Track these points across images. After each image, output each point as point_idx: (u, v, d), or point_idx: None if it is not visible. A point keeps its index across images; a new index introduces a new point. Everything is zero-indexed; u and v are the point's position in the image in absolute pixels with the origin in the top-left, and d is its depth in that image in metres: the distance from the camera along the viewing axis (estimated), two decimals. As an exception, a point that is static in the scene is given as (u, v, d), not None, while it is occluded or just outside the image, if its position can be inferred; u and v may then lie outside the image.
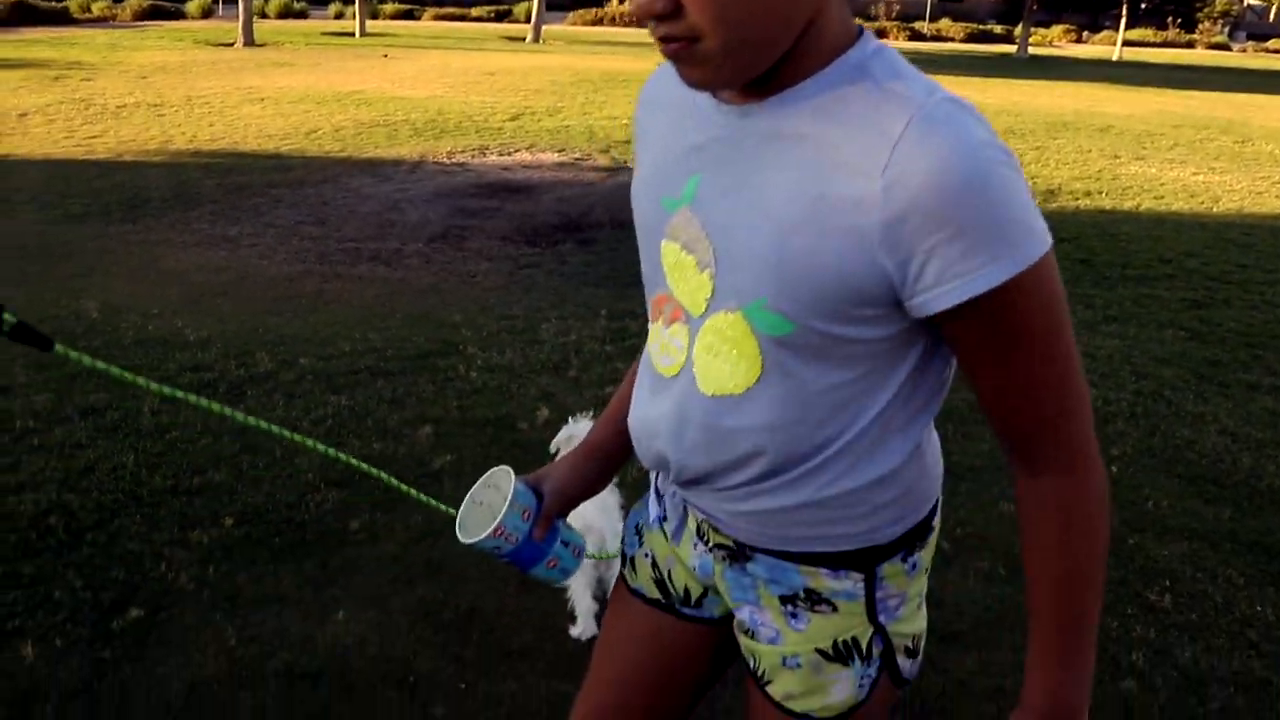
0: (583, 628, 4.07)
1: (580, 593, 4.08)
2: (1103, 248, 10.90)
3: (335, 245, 10.30)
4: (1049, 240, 1.44)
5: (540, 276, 9.41)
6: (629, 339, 7.69)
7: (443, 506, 3.73)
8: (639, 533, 2.10)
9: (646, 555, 2.05)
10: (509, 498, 1.90)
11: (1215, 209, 13.21)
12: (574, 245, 10.48)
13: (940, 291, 1.42)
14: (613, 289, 9.03)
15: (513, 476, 1.97)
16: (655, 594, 2.02)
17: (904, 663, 1.86)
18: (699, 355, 1.66)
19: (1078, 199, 13.49)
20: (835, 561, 1.73)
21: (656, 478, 2.02)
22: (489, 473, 2.04)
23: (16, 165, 13.57)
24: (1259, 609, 4.52)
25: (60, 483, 5.23)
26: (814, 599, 1.75)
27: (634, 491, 4.80)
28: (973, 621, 4.31)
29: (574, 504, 2.07)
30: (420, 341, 7.53)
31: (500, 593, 4.39)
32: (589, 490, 2.10)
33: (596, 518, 3.99)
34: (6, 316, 3.64)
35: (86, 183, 12.62)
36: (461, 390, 6.64)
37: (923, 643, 1.92)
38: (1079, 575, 1.61)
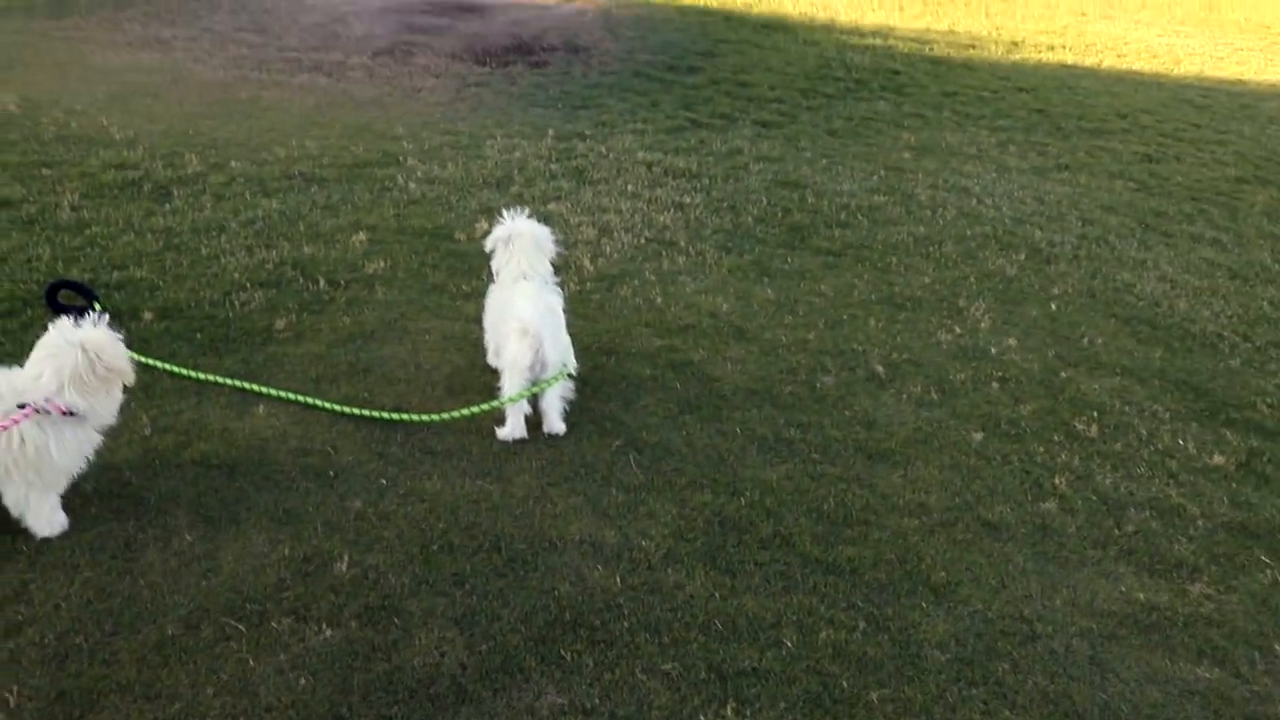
0: (510, 428, 4.01)
1: (513, 385, 3.99)
2: (1061, 100, 10.70)
3: (275, 53, 9.74)
4: None
5: (488, 95, 9.01)
6: (574, 158, 7.43)
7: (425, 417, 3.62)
8: None
9: None
10: None
11: (1176, 70, 13.01)
12: (524, 67, 10.02)
13: None
14: (562, 110, 8.68)
15: None
16: None
17: None
18: None
19: (1040, 52, 13.19)
20: None
21: None
22: None
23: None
24: (1180, 442, 4.58)
25: (-32, 272, 4.97)
26: None
27: (570, 303, 4.63)
28: (901, 441, 4.32)
29: None
30: (359, 151, 7.20)
31: (426, 395, 4.29)
32: None
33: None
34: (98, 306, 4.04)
35: (4, -27, 11.74)
36: (399, 200, 6.38)
37: None
38: None
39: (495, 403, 4.06)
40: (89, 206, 5.89)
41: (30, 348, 4.32)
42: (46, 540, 3.25)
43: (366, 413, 4.08)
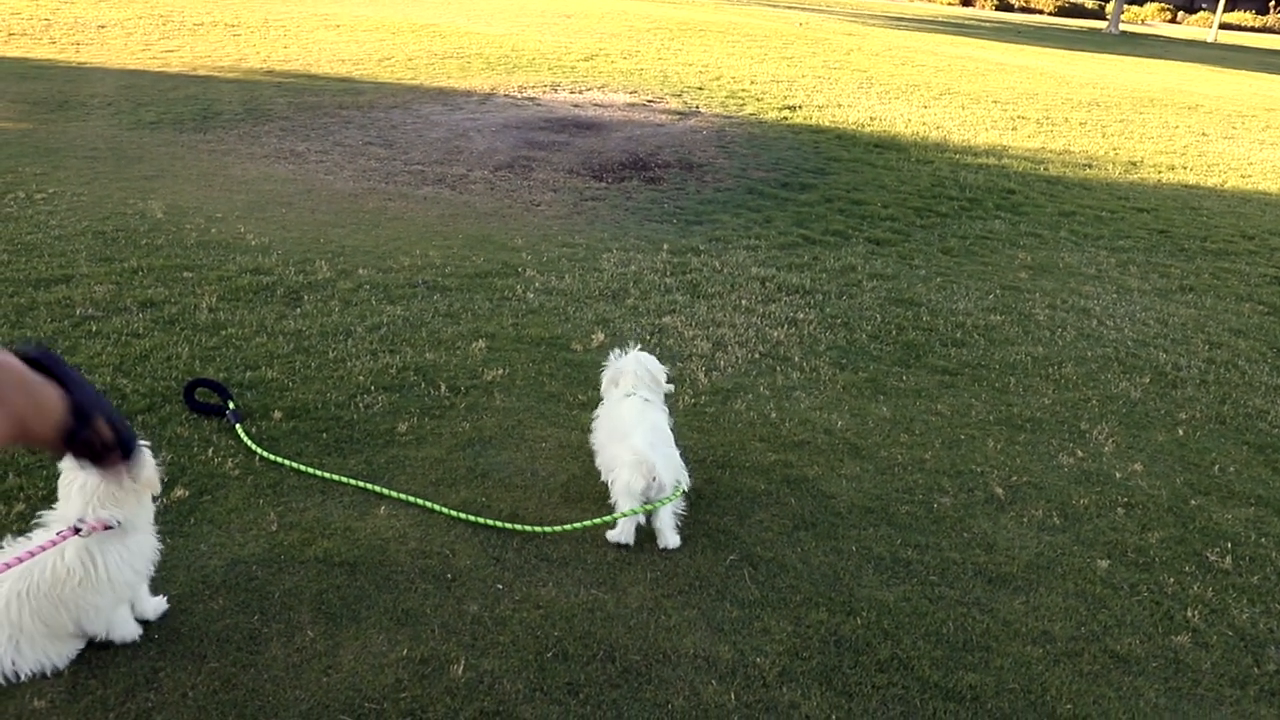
0: (620, 532, 4.03)
1: (625, 505, 4.03)
2: (1183, 221, 10.50)
3: (401, 166, 10.27)
4: None
5: (604, 210, 9.30)
6: (689, 272, 7.57)
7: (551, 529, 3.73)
8: None
9: None
10: None
11: (1305, 190, 12.67)
12: (640, 182, 10.33)
13: None
14: (677, 225, 8.90)
15: None
16: None
17: None
18: None
19: (1160, 172, 13.02)
20: None
21: None
22: None
23: (94, 74, 13.73)
24: (1325, 580, 4.32)
25: (115, 368, 5.28)
26: None
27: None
28: (1023, 565, 4.18)
29: None
30: (479, 261, 7.48)
31: (542, 502, 4.34)
32: None
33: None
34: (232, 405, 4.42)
35: (161, 94, 12.73)
36: (517, 309, 6.58)
37: None
38: None
39: (610, 517, 4.10)
40: (225, 309, 6.22)
41: (167, 442, 4.58)
42: (177, 629, 3.37)
43: (483, 520, 4.15)
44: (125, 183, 8.92)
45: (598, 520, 4.10)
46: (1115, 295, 7.94)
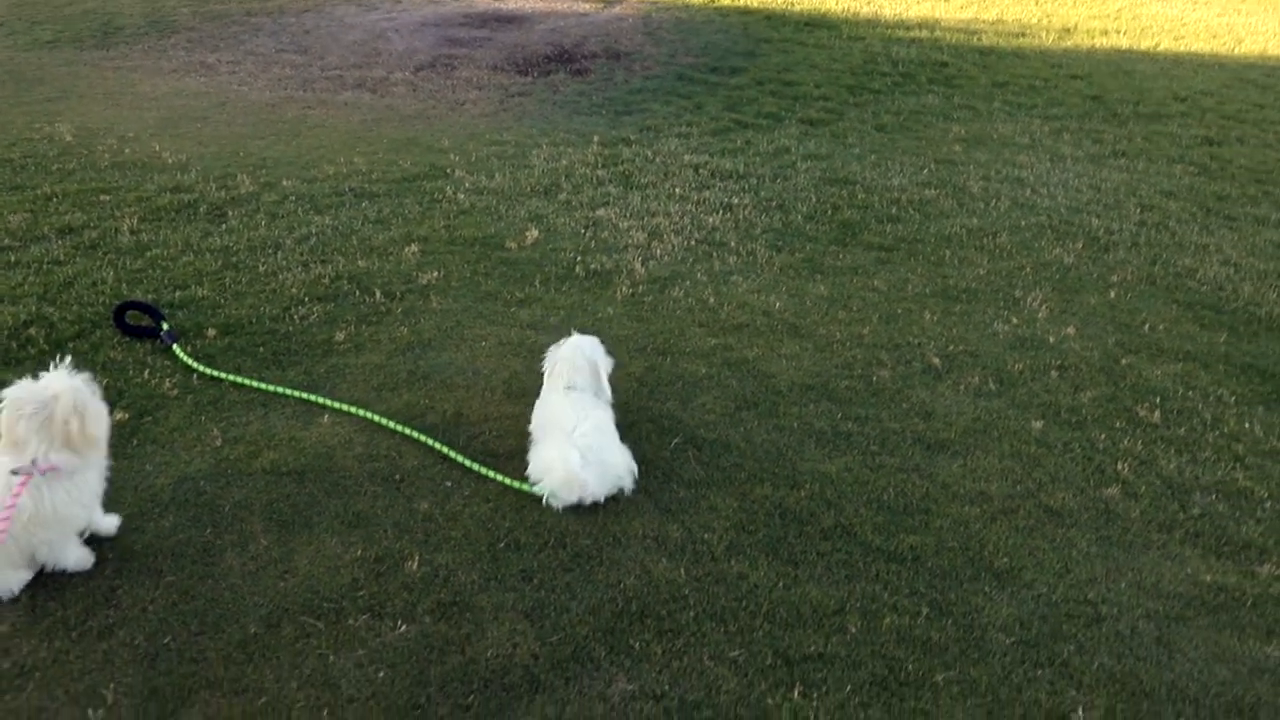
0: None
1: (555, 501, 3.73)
2: (1116, 86, 10.55)
3: (318, 73, 9.93)
4: None
5: (532, 105, 9.11)
6: (621, 164, 7.48)
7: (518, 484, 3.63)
8: None
9: None
10: None
11: (1237, 50, 12.74)
12: (566, 75, 10.11)
13: None
14: (606, 116, 8.75)
15: None
16: None
17: None
18: None
19: (1094, 37, 13.00)
20: None
21: None
22: None
23: (-15, -10, 12.98)
24: (1247, 425, 4.51)
25: (39, 297, 5.13)
26: None
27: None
28: (960, 431, 4.30)
29: None
30: (406, 165, 7.32)
31: (485, 400, 4.35)
32: None
33: None
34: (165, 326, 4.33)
35: (56, 10, 12.10)
36: (449, 211, 6.48)
37: None
38: None
39: (540, 490, 3.72)
40: (147, 230, 6.05)
41: (101, 367, 4.49)
42: (130, 547, 3.36)
43: (426, 440, 4.03)
44: (28, 106, 8.54)
45: (528, 488, 3.77)
46: (1049, 164, 8.01)
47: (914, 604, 3.30)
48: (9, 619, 3.07)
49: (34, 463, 3.04)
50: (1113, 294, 5.73)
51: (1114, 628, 3.26)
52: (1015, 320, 5.35)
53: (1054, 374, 4.84)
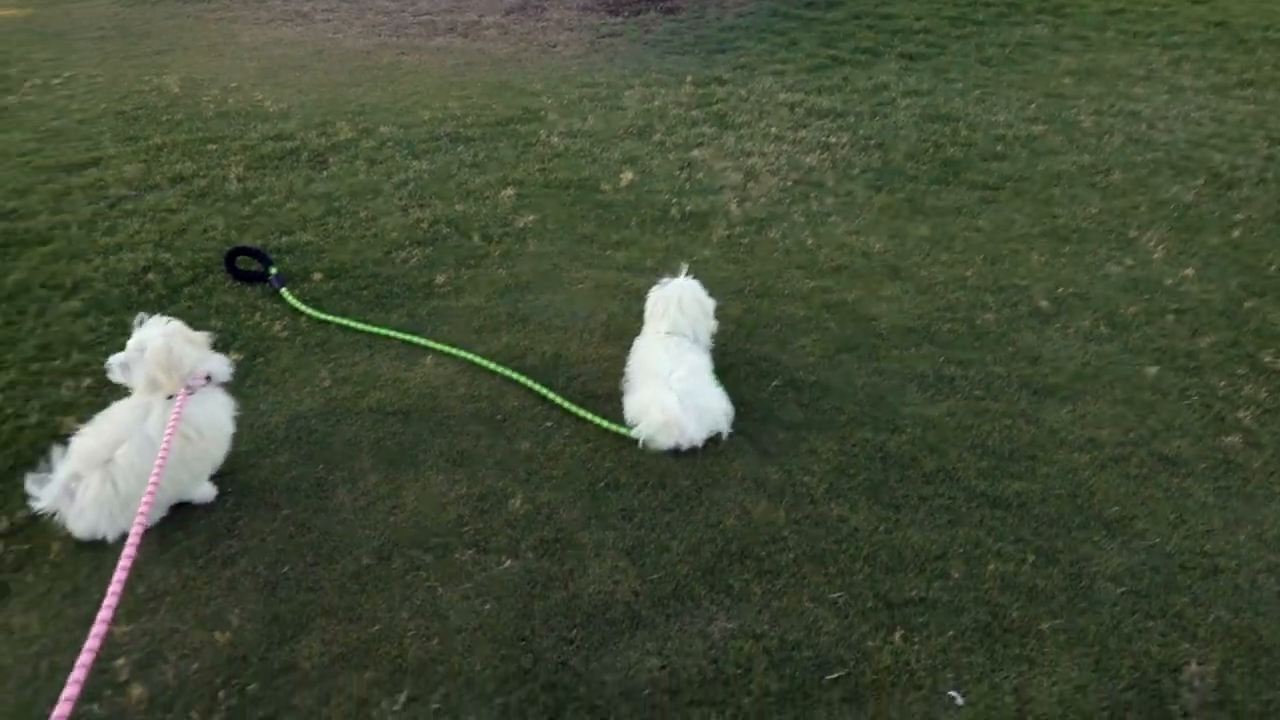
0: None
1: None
2: (1243, 9, 9.95)
3: (410, 18, 10.00)
4: None
5: (623, 45, 9.02)
6: (714, 103, 7.38)
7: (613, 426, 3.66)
8: None
9: None
10: None
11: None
12: (658, 14, 9.97)
13: None
14: (699, 55, 8.62)
15: None
16: None
17: None
18: None
19: (1213, -38, 12.28)
20: None
21: None
22: None
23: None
24: (1380, 371, 4.28)
25: (156, 244, 5.32)
26: None
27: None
28: (1069, 376, 4.17)
29: None
30: (500, 109, 7.34)
31: (584, 342, 4.38)
32: None
33: None
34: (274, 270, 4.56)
35: (163, -39, 12.38)
36: (543, 154, 6.49)
37: None
38: None
39: (638, 434, 3.71)
40: (253, 177, 6.20)
41: (217, 310, 4.65)
42: (248, 483, 3.50)
43: (526, 381, 4.06)
44: (137, 60, 8.79)
45: (627, 432, 3.76)
46: (1167, 95, 7.63)
47: (1019, 551, 3.23)
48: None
49: (192, 378, 3.23)
50: (1236, 233, 5.46)
51: (1232, 580, 3.15)
52: (1129, 261, 5.15)
53: (1170, 317, 4.64)
